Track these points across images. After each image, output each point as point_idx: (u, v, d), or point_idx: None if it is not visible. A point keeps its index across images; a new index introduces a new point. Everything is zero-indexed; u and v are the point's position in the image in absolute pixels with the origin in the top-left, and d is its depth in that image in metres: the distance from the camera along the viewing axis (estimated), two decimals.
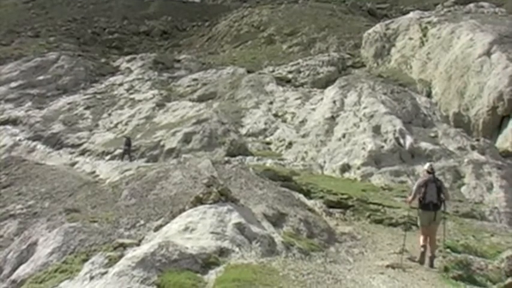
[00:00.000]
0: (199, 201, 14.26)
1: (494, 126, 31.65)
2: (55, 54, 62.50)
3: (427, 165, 14.91)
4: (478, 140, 30.64)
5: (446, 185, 26.09)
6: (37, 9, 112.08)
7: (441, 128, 32.63)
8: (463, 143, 30.44)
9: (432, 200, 13.93)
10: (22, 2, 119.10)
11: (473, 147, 29.88)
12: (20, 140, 43.01)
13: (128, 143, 36.15)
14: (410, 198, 14.58)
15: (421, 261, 13.81)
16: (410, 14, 50.31)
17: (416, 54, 42.58)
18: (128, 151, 35.76)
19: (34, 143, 42.24)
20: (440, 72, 37.24)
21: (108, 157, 36.71)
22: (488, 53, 34.02)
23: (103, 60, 65.65)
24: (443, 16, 45.35)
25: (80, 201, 21.27)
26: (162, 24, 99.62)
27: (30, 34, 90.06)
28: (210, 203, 14.02)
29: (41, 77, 56.06)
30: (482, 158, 28.52)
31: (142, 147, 36.44)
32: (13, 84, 54.69)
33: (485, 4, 52.87)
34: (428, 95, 37.45)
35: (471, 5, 51.81)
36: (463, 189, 26.20)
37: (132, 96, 50.70)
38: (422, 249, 13.91)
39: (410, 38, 44.95)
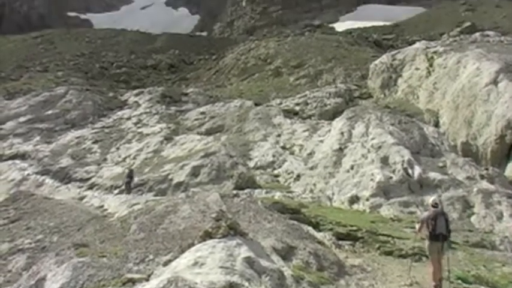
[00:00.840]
0: (208, 235, 14.20)
1: (503, 155, 31.50)
2: (63, 89, 62.93)
3: (432, 199, 15.65)
4: (486, 169, 30.51)
5: (456, 215, 26.13)
6: (46, 44, 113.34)
7: (449, 157, 32.54)
8: (472, 173, 30.33)
9: (442, 232, 14.71)
10: (31, 37, 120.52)
11: (482, 177, 29.75)
12: (28, 174, 43.08)
13: (130, 175, 36.22)
14: (418, 229, 15.54)
15: None
16: (416, 44, 50.47)
17: (423, 84, 42.64)
18: (129, 183, 35.80)
19: (42, 178, 42.29)
20: (447, 102, 37.25)
21: (116, 191, 36.71)
22: (495, 82, 34.02)
23: (111, 94, 65.96)
24: (449, 46, 45.48)
25: (89, 236, 21.19)
26: (170, 58, 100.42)
27: (39, 69, 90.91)
28: (219, 237, 13.95)
29: (49, 112, 56.37)
30: (492, 187, 28.38)
31: (150, 181, 36.44)
32: (22, 119, 55.00)
33: (490, 33, 53.03)
34: (436, 124, 37.41)
35: (477, 34, 51.92)
36: (472, 218, 26.04)
37: (140, 130, 50.82)
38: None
39: (417, 68, 45.06)
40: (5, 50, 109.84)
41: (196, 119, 51.40)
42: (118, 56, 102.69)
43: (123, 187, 36.21)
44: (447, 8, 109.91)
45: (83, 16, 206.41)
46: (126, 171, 37.12)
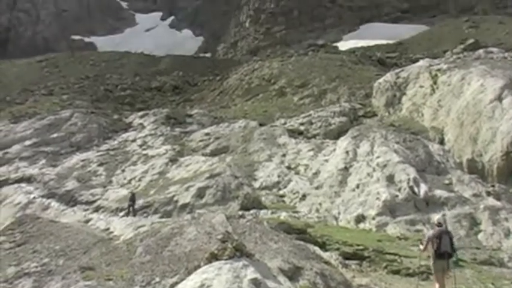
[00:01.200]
0: (214, 257, 14.16)
1: (509, 171, 31.40)
2: (68, 112, 63.16)
3: (436, 219, 16.49)
4: (493, 186, 30.44)
5: (463, 232, 26.06)
6: (50, 68, 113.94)
7: (455, 175, 32.47)
8: (478, 189, 30.25)
9: (447, 250, 15.17)
10: (36, 61, 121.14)
11: (488, 193, 29.67)
12: (34, 197, 43.16)
13: (132, 198, 36.26)
14: (423, 247, 15.87)
15: None
16: (420, 62, 50.52)
17: (428, 102, 42.60)
18: (132, 207, 35.85)
19: (48, 201, 42.35)
20: (452, 119, 37.20)
21: (122, 213, 36.73)
22: (499, 98, 33.99)
23: (116, 116, 66.14)
24: (453, 63, 45.51)
25: (95, 259, 21.17)
26: (174, 79, 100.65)
27: (44, 92, 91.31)
28: (225, 259, 13.91)
29: (54, 135, 56.55)
30: (498, 203, 28.30)
31: (156, 203, 36.44)
32: (27, 143, 55.18)
33: (494, 49, 53.07)
34: (441, 142, 37.33)
35: (480, 51, 51.95)
36: (480, 236, 25.96)
37: (145, 152, 50.89)
38: None
39: (421, 86, 45.05)
40: (11, 74, 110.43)
41: (201, 140, 51.43)
42: (122, 78, 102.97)
43: (126, 210, 36.32)
44: (450, 26, 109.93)
45: (87, 39, 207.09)
46: (129, 195, 37.20)
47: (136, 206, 36.16)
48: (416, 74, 47.11)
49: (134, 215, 35.31)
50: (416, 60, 59.03)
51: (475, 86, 37.08)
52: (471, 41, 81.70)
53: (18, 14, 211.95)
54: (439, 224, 15.75)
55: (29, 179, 47.09)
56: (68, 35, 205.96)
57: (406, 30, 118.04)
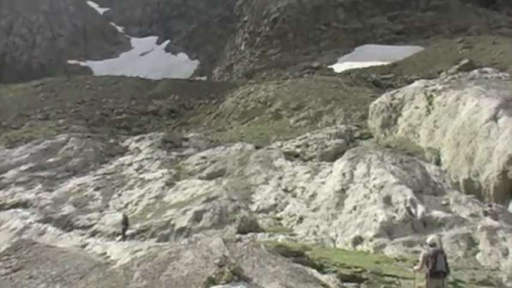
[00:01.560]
0: (211, 281, 14.13)
1: (506, 191, 31.44)
2: (64, 136, 63.06)
3: (430, 239, 16.81)
4: (490, 206, 30.43)
5: (461, 252, 26.03)
6: (47, 92, 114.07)
7: (452, 195, 32.47)
8: (475, 210, 30.25)
9: (442, 269, 15.63)
10: (32, 86, 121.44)
11: (486, 213, 29.66)
12: (30, 222, 42.95)
13: (125, 222, 36.20)
14: (418, 267, 16.37)
15: None
16: (415, 83, 50.68)
17: (423, 123, 42.70)
18: (125, 230, 35.76)
19: (44, 226, 42.15)
20: (448, 140, 37.28)
21: (118, 238, 36.59)
22: (495, 118, 34.11)
23: (112, 140, 66.05)
24: (448, 83, 45.70)
25: (91, 284, 21.05)
26: (170, 103, 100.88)
27: (40, 117, 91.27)
28: (223, 283, 13.88)
29: (50, 159, 56.41)
30: (496, 223, 28.29)
31: (153, 227, 36.32)
32: (23, 167, 55.03)
33: (488, 69, 53.50)
34: (438, 162, 37.37)
35: (475, 71, 52.37)
36: (478, 256, 25.92)
37: (141, 176, 50.78)
38: None
39: (416, 107, 45.17)
40: (7, 99, 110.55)
41: (197, 164, 51.38)
42: (118, 102, 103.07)
43: (122, 235, 36.23)
44: (444, 46, 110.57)
45: (82, 63, 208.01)
46: (122, 218, 37.18)
47: (130, 231, 36.03)
48: (412, 95, 47.24)
49: (124, 239, 35.25)
50: (412, 81, 59.19)
51: (470, 106, 37.19)
52: (465, 61, 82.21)
53: (15, 39, 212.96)
54: (433, 245, 16.18)
55: (25, 204, 46.89)
56: (64, 59, 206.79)
57: (400, 52, 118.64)
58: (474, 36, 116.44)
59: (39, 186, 51.16)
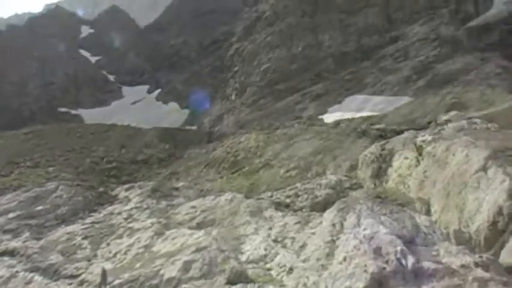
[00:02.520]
0: None
1: (496, 242, 31.42)
2: (54, 184, 62.88)
3: None
4: (481, 257, 30.33)
5: None
6: (37, 140, 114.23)
7: (443, 246, 32.31)
8: (466, 260, 30.06)
9: None
10: (22, 133, 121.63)
11: (476, 264, 29.48)
12: (17, 271, 42.34)
13: (104, 274, 35.87)
14: None
15: None
16: (405, 134, 50.91)
17: (413, 173, 42.75)
18: (100, 285, 35.38)
19: (31, 275, 41.54)
20: (438, 190, 37.28)
21: (107, 287, 36.18)
22: (484, 169, 34.16)
23: (101, 189, 65.84)
24: (437, 134, 45.89)
25: None
26: (160, 152, 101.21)
27: (30, 164, 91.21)
28: None
29: (39, 207, 56.09)
30: (487, 274, 28.10)
31: (141, 277, 35.96)
32: (11, 215, 54.62)
33: (477, 120, 53.70)
34: (428, 213, 37.25)
35: (464, 122, 52.52)
36: None
37: (130, 225, 50.47)
38: None
39: (406, 158, 45.26)
40: None
41: (187, 214, 51.14)
42: (108, 150, 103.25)
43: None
44: (433, 98, 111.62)
45: (74, 111, 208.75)
46: (101, 270, 36.84)
47: (106, 283, 35.62)
48: (402, 146, 47.42)
49: None
50: (401, 132, 59.50)
51: (459, 157, 37.34)
52: (454, 112, 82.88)
53: (5, 85, 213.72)
54: None
55: (12, 252, 46.38)
56: (55, 107, 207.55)
57: (390, 102, 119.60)
58: (462, 86, 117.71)
59: (27, 234, 50.66)
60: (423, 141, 48.09)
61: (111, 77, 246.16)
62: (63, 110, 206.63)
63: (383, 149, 51.16)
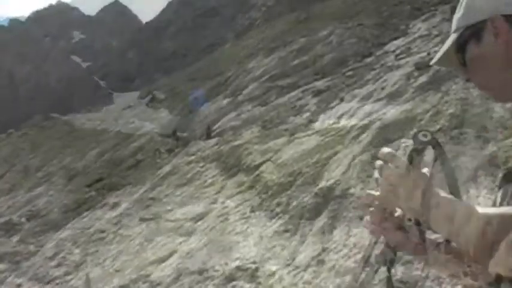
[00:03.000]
0: None
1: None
2: (44, 189, 63.04)
3: None
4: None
5: None
6: (28, 144, 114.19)
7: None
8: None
9: None
10: (14, 137, 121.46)
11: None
12: (5, 276, 42.53)
13: (87, 280, 35.93)
14: None
15: None
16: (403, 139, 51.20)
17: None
18: None
19: (20, 280, 41.60)
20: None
21: None
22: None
23: (92, 194, 65.65)
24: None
25: None
26: (152, 157, 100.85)
27: (20, 169, 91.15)
28: None
29: (29, 212, 56.11)
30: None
31: (131, 284, 35.99)
32: (1, 220, 54.72)
33: (468, 130, 54.00)
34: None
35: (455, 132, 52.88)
36: None
37: (120, 231, 50.18)
38: None
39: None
40: None
41: (177, 219, 50.83)
42: (99, 156, 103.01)
43: None
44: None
45: (64, 117, 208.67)
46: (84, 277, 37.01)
47: None
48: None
49: None
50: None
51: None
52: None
53: None
54: None
55: (1, 258, 46.45)
56: (48, 113, 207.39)
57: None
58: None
59: (17, 239, 50.66)
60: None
61: (102, 83, 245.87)
62: (54, 115, 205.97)
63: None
